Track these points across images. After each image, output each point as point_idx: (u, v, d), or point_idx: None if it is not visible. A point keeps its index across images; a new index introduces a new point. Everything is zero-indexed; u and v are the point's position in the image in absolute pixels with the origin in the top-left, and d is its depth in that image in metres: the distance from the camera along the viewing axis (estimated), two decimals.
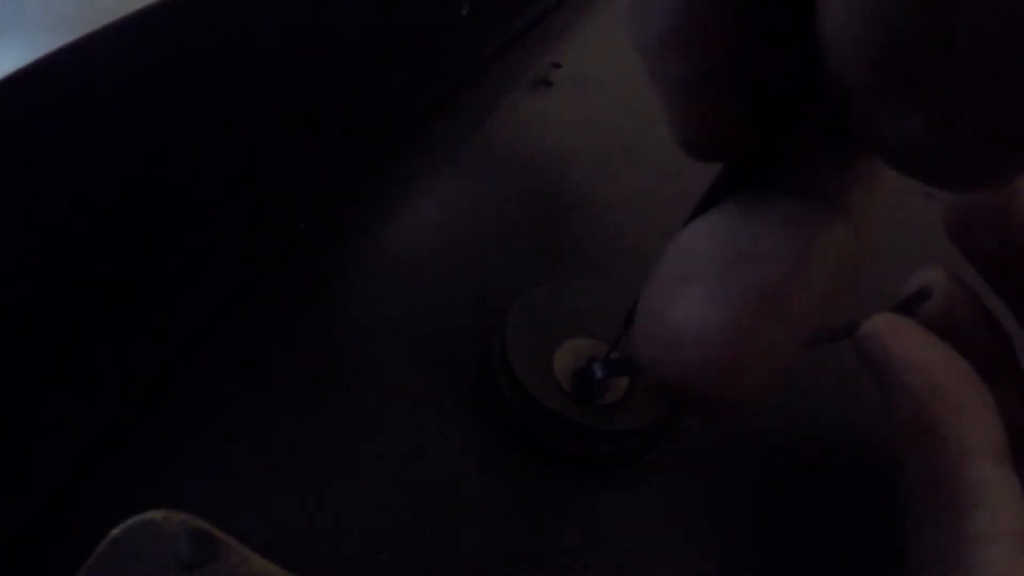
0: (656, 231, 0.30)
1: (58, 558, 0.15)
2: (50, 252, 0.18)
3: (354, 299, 0.25)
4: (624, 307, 0.24)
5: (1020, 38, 0.06)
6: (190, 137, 0.21)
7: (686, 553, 0.21)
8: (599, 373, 0.21)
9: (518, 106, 0.35)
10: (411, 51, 0.31)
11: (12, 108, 0.15)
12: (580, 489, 0.22)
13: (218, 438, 0.21)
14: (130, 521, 0.15)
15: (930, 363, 0.18)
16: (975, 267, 0.20)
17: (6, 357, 0.17)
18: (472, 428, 0.23)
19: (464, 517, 0.21)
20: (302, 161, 0.27)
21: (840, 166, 0.10)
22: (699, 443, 0.24)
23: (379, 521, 0.20)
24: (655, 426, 0.22)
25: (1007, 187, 0.18)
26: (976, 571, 0.15)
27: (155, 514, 0.16)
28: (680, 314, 0.09)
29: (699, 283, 0.10)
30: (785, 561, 0.22)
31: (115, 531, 0.15)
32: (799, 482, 0.24)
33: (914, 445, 0.17)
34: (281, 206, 0.26)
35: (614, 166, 0.33)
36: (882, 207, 0.11)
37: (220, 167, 0.23)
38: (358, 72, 0.28)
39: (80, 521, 0.18)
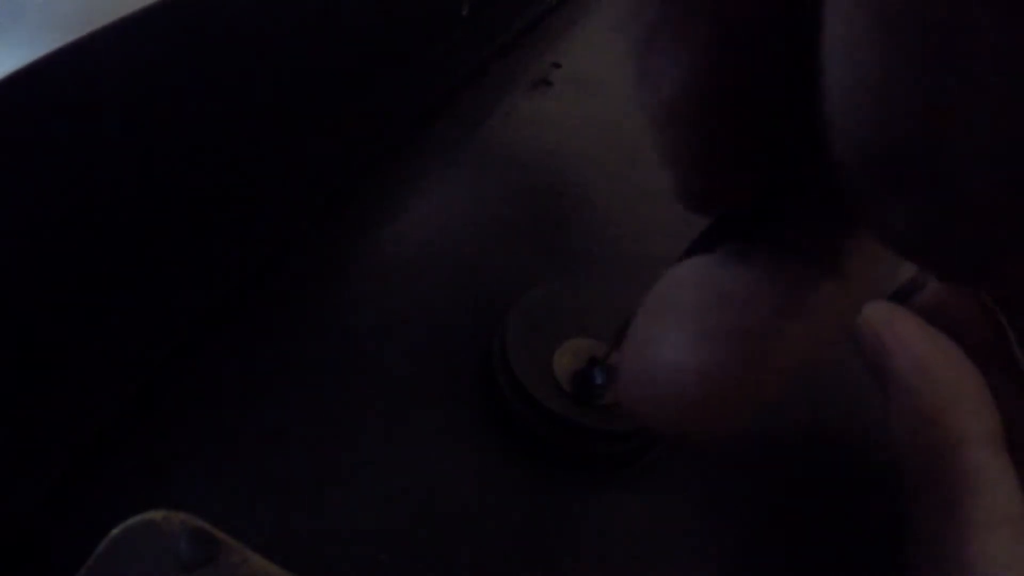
0: (656, 231, 0.30)
1: (58, 558, 0.15)
2: (50, 252, 0.18)
3: (354, 299, 0.25)
4: (624, 307, 0.24)
5: (1020, 156, 0.06)
6: (190, 137, 0.21)
7: (686, 553, 0.21)
8: (599, 379, 0.21)
9: (518, 106, 0.35)
10: (411, 51, 0.31)
11: (12, 108, 0.15)
12: (580, 489, 0.22)
13: (218, 438, 0.21)
14: (130, 521, 0.15)
15: (925, 352, 0.18)
16: None
17: (6, 357, 0.17)
18: (472, 428, 0.23)
19: (464, 517, 0.21)
20: (302, 161, 0.27)
21: (840, 231, 0.10)
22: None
23: (379, 521, 0.20)
24: None
25: None
26: (975, 556, 0.15)
27: (155, 514, 0.16)
28: (660, 354, 0.10)
29: (680, 324, 0.10)
30: (785, 561, 0.22)
31: (115, 531, 0.15)
32: (799, 482, 0.24)
33: (911, 434, 0.17)
34: (281, 206, 0.26)
35: (614, 166, 0.33)
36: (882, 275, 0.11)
37: (220, 167, 0.23)
38: (358, 72, 0.28)
39: (80, 521, 0.18)
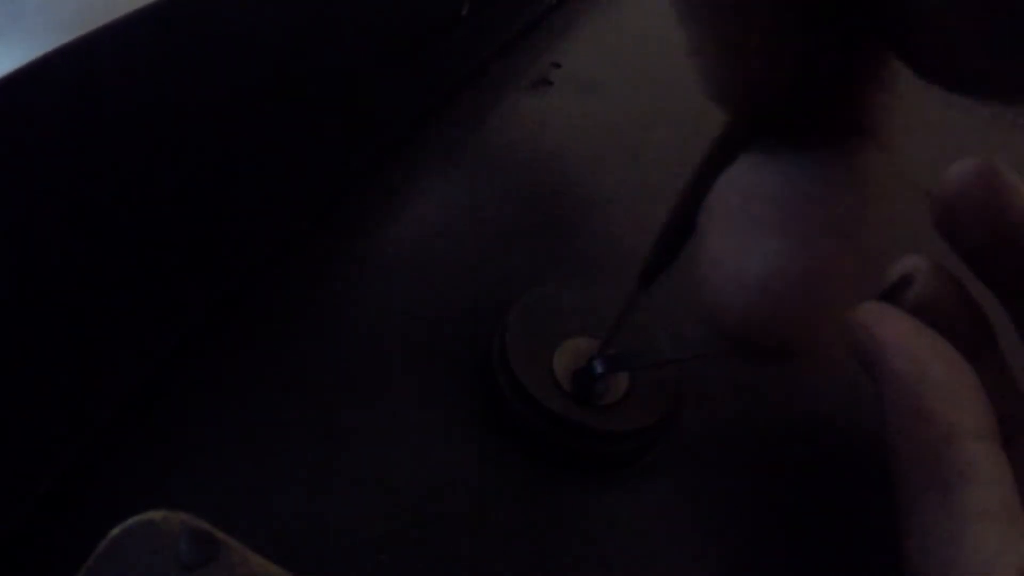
0: (656, 231, 0.30)
1: (58, 558, 0.15)
2: (49, 253, 0.18)
3: (354, 299, 0.25)
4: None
5: None
6: (190, 137, 0.21)
7: (686, 553, 0.21)
8: (599, 369, 0.21)
9: (518, 106, 0.35)
10: (411, 51, 0.31)
11: (12, 108, 0.15)
12: (580, 489, 0.22)
13: (218, 438, 0.21)
14: (130, 521, 0.15)
15: (917, 349, 0.18)
16: (963, 260, 0.20)
17: (6, 357, 0.17)
18: (472, 428, 0.23)
19: (464, 517, 0.21)
20: (302, 161, 0.27)
21: (869, 97, 0.10)
22: (699, 443, 0.24)
23: (379, 521, 0.20)
24: (655, 426, 0.22)
25: (993, 180, 0.18)
26: (967, 547, 0.15)
27: (155, 514, 0.16)
28: (751, 264, 0.09)
29: (776, 234, 0.09)
30: (786, 561, 0.22)
31: (115, 531, 0.15)
32: (799, 482, 0.24)
33: (904, 429, 0.17)
34: (281, 206, 0.26)
35: (614, 166, 0.33)
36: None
37: (219, 167, 0.23)
38: (358, 72, 0.28)
39: (80, 521, 0.18)
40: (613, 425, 0.21)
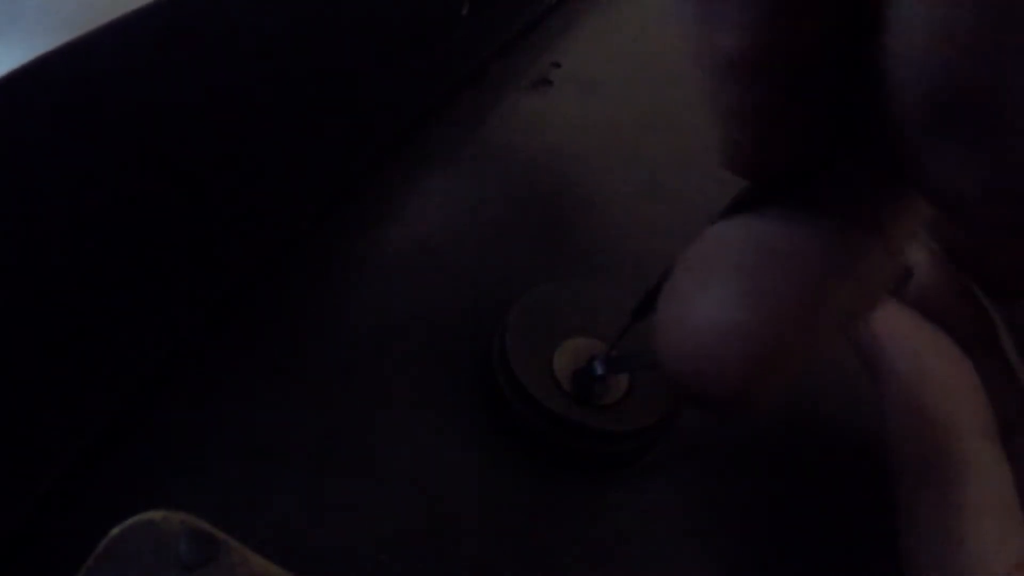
0: (656, 231, 0.30)
1: (58, 558, 0.15)
2: (49, 252, 0.18)
3: (354, 299, 0.25)
4: (624, 307, 0.24)
5: None
6: (190, 137, 0.21)
7: (687, 553, 0.21)
8: (600, 370, 0.21)
9: (518, 106, 0.35)
10: (411, 51, 0.31)
11: (12, 108, 0.15)
12: (580, 489, 0.22)
13: (218, 438, 0.21)
14: (130, 521, 0.15)
15: (916, 344, 0.18)
16: (949, 255, 0.20)
17: (6, 357, 0.17)
18: (472, 428, 0.23)
19: (464, 517, 0.21)
20: (302, 161, 0.27)
21: (879, 194, 0.10)
22: (700, 443, 0.24)
23: (379, 521, 0.20)
24: (655, 426, 0.22)
25: None
26: (968, 544, 0.15)
27: (155, 514, 0.16)
28: (704, 311, 0.09)
29: (725, 281, 0.09)
30: (786, 561, 0.22)
31: (115, 531, 0.15)
32: (800, 481, 0.24)
33: (904, 425, 0.17)
34: (281, 206, 0.26)
35: (614, 166, 0.33)
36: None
37: (219, 166, 0.23)
38: (358, 72, 0.28)
39: (80, 521, 0.18)
40: (613, 425, 0.21)
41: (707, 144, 0.13)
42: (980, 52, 0.07)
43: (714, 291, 0.09)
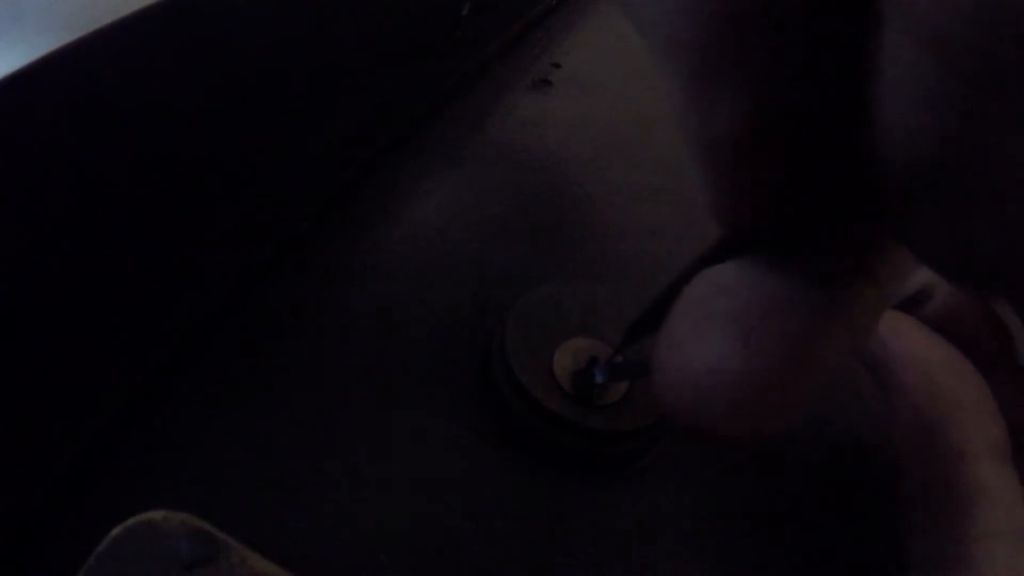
0: (656, 231, 0.30)
1: (58, 558, 0.15)
2: (49, 252, 0.18)
3: (354, 299, 0.25)
4: (624, 307, 0.24)
5: None
6: (190, 137, 0.21)
7: (686, 553, 0.21)
8: (600, 378, 0.21)
9: (518, 106, 0.35)
10: (411, 51, 0.31)
11: (12, 108, 0.15)
12: (580, 489, 0.22)
13: (218, 438, 0.21)
14: (130, 521, 0.15)
15: (930, 362, 0.18)
16: None
17: (7, 357, 0.17)
18: (472, 428, 0.23)
19: (464, 517, 0.21)
20: (302, 161, 0.27)
21: (871, 240, 0.10)
22: (699, 443, 0.24)
23: (379, 521, 0.20)
24: (655, 426, 0.22)
25: None
26: (978, 570, 0.15)
27: (155, 514, 0.16)
28: (701, 356, 0.10)
29: (722, 327, 0.10)
30: (786, 561, 0.22)
31: (115, 531, 0.15)
32: (800, 482, 0.24)
33: (914, 445, 0.17)
34: (281, 206, 0.26)
35: (614, 166, 0.33)
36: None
37: (219, 167, 0.23)
38: (358, 72, 0.28)
39: (80, 521, 0.18)
40: (613, 425, 0.21)
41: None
42: (965, 121, 0.07)
43: (713, 339, 0.10)
